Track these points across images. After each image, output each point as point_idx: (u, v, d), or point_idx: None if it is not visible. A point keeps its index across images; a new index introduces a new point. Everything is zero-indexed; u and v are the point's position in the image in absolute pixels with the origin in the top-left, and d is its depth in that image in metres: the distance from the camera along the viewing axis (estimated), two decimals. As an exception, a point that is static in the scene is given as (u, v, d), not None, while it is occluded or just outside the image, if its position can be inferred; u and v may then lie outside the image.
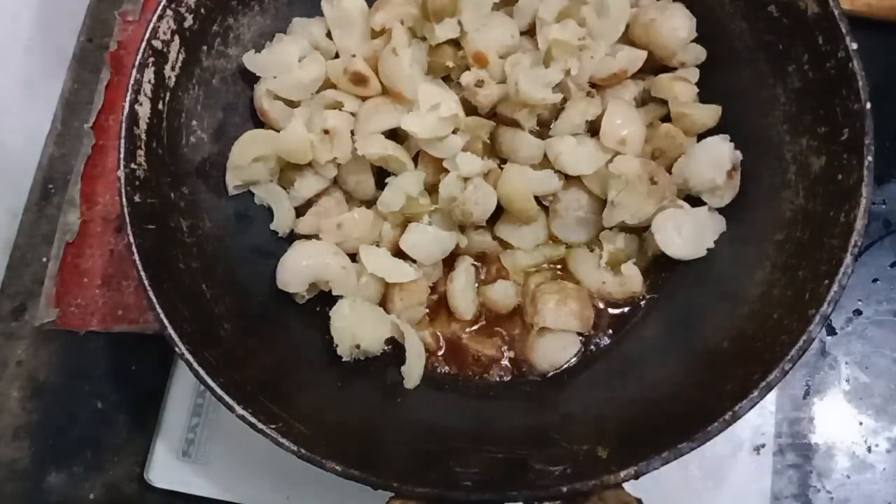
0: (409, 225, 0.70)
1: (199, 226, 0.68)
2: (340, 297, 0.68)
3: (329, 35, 0.74)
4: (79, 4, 0.96)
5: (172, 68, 0.67)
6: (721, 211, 0.69)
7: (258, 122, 0.74)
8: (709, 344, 0.63)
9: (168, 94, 0.67)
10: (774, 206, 0.65)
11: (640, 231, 0.71)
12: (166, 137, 0.66)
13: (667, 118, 0.71)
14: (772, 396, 0.75)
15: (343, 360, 0.68)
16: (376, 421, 0.64)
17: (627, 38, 0.71)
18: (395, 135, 0.70)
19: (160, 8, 0.65)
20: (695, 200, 0.69)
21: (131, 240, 0.60)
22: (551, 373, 0.70)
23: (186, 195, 0.68)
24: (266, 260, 0.71)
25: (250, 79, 0.73)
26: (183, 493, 0.76)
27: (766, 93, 0.67)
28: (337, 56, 0.74)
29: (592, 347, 0.71)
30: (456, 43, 0.71)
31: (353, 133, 0.70)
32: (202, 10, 0.69)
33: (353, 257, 0.70)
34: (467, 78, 0.69)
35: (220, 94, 0.72)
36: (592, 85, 0.71)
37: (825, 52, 0.61)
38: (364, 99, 0.71)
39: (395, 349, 0.69)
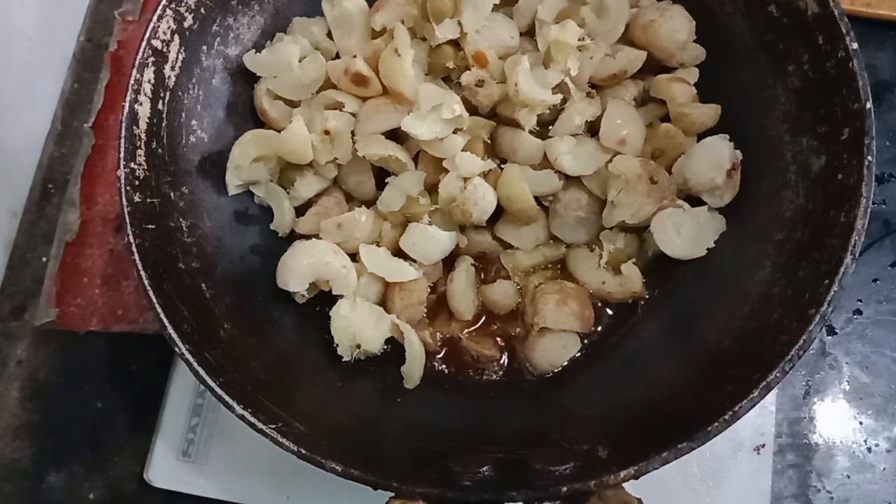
0: (409, 225, 0.70)
1: (198, 225, 0.68)
2: (340, 296, 0.68)
3: (329, 35, 0.74)
4: (79, 4, 0.96)
5: (172, 68, 0.67)
6: (721, 211, 0.69)
7: (258, 122, 0.74)
8: (709, 344, 0.63)
9: (168, 94, 0.67)
10: (774, 206, 0.65)
11: (640, 231, 0.71)
12: (166, 137, 0.66)
13: (667, 118, 0.71)
14: (772, 396, 0.75)
15: (343, 360, 0.68)
16: (376, 421, 0.64)
17: (627, 39, 0.71)
18: (396, 135, 0.70)
19: (160, 8, 0.65)
20: (695, 200, 0.69)
21: (131, 239, 0.60)
22: (551, 373, 0.70)
23: (186, 195, 0.68)
24: (266, 260, 0.71)
25: (250, 79, 0.73)
26: (183, 493, 0.76)
27: (766, 93, 0.67)
28: (338, 56, 0.74)
29: (592, 347, 0.71)
30: (456, 43, 0.71)
31: (353, 133, 0.70)
32: (202, 10, 0.69)
33: (353, 257, 0.70)
34: (468, 77, 0.69)
35: (220, 94, 0.72)
36: (592, 85, 0.71)
37: (825, 51, 0.61)
38: (365, 99, 0.71)
39: (395, 349, 0.69)
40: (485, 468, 0.57)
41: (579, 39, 0.68)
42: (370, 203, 0.72)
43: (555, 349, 0.69)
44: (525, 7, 0.73)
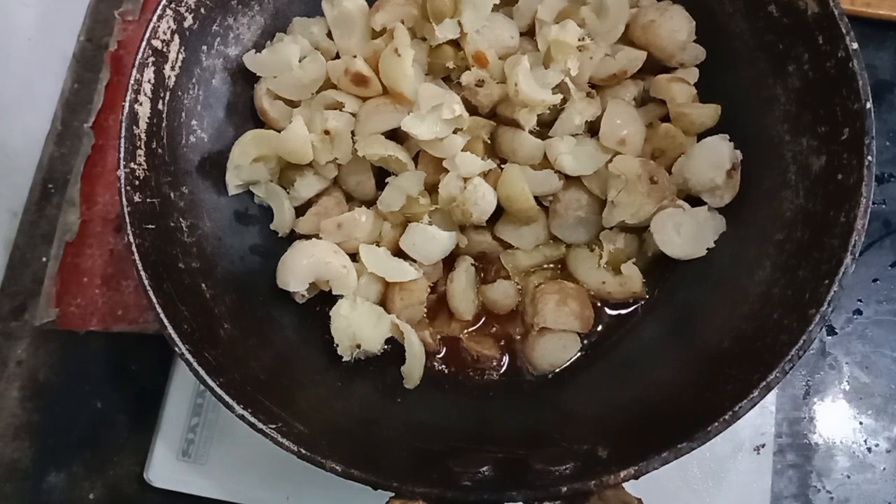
0: (409, 225, 0.70)
1: (198, 225, 0.68)
2: (340, 296, 0.68)
3: (329, 35, 0.74)
4: (79, 4, 0.96)
5: (172, 68, 0.67)
6: (721, 211, 0.69)
7: (258, 122, 0.74)
8: (709, 344, 0.63)
9: (168, 94, 0.67)
10: (774, 206, 0.65)
11: (640, 231, 0.71)
12: (166, 137, 0.66)
13: (667, 118, 0.71)
14: (772, 396, 0.75)
15: (343, 360, 0.68)
16: (376, 421, 0.64)
17: (627, 39, 0.71)
18: (396, 135, 0.70)
19: (160, 8, 0.65)
20: (695, 200, 0.69)
21: (131, 239, 0.60)
22: (551, 373, 0.70)
23: (186, 195, 0.68)
24: (266, 260, 0.71)
25: (250, 79, 0.73)
26: (183, 493, 0.76)
27: (766, 93, 0.67)
28: (338, 56, 0.74)
29: (592, 347, 0.71)
30: (456, 43, 0.71)
31: (353, 133, 0.70)
32: (202, 10, 0.69)
33: (354, 257, 0.70)
34: (468, 77, 0.69)
35: (220, 94, 0.72)
36: (592, 85, 0.71)
37: (825, 51, 0.61)
38: (365, 99, 0.71)
39: (395, 349, 0.69)
40: (485, 468, 0.57)
41: (579, 39, 0.68)
42: (370, 203, 0.72)
43: (555, 349, 0.69)
44: (525, 7, 0.73)
